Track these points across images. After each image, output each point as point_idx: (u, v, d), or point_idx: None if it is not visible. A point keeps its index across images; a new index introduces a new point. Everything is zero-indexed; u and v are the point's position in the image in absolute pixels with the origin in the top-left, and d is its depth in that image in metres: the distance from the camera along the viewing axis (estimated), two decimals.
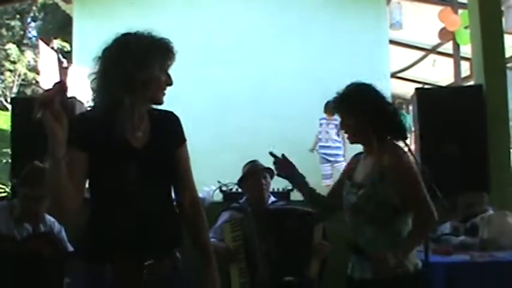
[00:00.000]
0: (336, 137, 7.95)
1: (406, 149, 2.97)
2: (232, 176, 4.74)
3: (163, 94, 2.36)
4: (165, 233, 2.35)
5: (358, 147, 3.11)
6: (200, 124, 7.45)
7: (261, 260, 4.02)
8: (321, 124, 8.06)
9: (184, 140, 2.49)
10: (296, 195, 5.29)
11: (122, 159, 2.28)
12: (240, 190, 4.79)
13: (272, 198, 4.50)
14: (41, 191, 3.52)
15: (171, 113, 2.49)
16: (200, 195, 5.15)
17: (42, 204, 3.69)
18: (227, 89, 8.36)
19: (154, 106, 2.39)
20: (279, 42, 8.74)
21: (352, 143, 3.07)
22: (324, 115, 8.03)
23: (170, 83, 2.35)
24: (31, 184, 3.63)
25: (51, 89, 2.08)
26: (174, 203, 2.50)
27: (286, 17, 8.86)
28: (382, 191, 2.84)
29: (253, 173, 4.41)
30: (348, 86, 3.02)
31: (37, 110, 2.00)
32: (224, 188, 5.36)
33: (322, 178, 7.91)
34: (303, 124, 8.33)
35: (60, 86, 2.08)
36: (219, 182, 5.36)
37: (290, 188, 5.25)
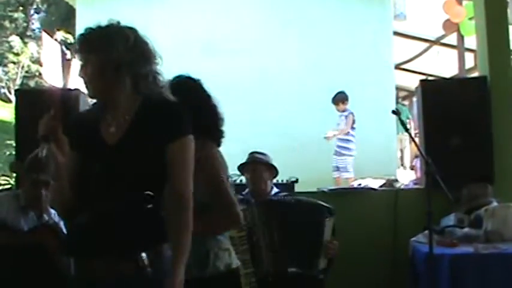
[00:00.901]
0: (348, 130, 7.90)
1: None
2: (234, 167, 4.74)
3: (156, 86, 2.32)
4: (124, 233, 2.19)
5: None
6: None
7: (265, 251, 4.02)
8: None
9: (180, 135, 2.27)
10: (300, 187, 5.31)
11: (90, 155, 2.28)
12: (243, 182, 4.80)
13: (275, 190, 4.50)
14: (47, 176, 3.54)
15: (173, 104, 2.35)
16: None
17: (48, 190, 3.71)
18: (229, 79, 8.30)
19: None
20: (281, 32, 8.70)
21: None
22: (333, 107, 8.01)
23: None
24: (38, 169, 3.64)
25: (48, 118, 2.16)
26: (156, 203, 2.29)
27: (289, 7, 8.82)
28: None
29: (248, 164, 4.44)
30: (174, 78, 2.97)
31: (42, 147, 2.09)
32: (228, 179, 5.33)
33: (332, 170, 7.90)
34: (306, 116, 8.33)
35: (56, 112, 2.16)
36: None
37: (294, 179, 5.26)
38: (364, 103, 8.21)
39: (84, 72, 2.27)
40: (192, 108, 2.69)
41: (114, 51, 2.22)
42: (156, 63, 2.34)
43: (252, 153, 4.51)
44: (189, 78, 3.06)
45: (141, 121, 2.28)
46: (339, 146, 7.89)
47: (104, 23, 2.30)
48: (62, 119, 2.21)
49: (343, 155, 7.84)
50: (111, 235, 2.18)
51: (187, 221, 2.25)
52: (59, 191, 2.32)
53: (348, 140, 7.86)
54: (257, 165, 4.40)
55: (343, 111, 7.90)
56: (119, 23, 2.31)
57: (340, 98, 7.88)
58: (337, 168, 7.87)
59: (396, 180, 6.98)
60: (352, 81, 8.23)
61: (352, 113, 7.82)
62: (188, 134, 2.30)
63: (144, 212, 2.22)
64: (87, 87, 2.30)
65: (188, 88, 2.96)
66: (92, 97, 2.34)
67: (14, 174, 5.44)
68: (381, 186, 5.94)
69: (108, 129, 2.29)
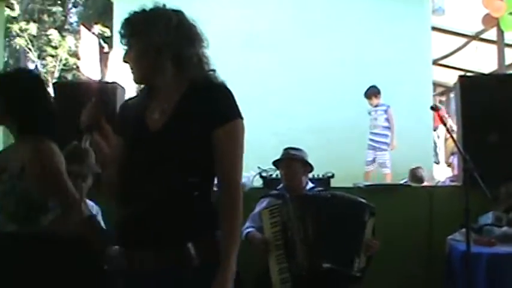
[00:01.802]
0: (385, 123, 7.83)
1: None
2: (269, 161, 4.74)
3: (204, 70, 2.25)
4: (170, 222, 2.14)
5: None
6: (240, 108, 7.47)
7: (299, 247, 4.01)
8: (370, 112, 7.97)
9: (226, 120, 2.17)
10: (336, 182, 5.28)
11: (134, 143, 2.24)
12: (279, 176, 4.79)
13: (310, 185, 4.49)
14: (83, 168, 3.56)
15: (220, 87, 2.25)
16: None
17: (86, 182, 3.74)
18: (267, 74, 8.32)
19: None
20: (319, 27, 8.66)
21: None
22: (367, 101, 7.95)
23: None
24: (76, 161, 3.66)
25: (90, 107, 2.14)
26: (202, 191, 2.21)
27: (328, 2, 8.77)
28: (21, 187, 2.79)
29: (283, 161, 4.44)
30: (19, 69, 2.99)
31: (85, 138, 2.07)
32: (264, 174, 5.33)
33: (366, 164, 7.85)
34: (342, 110, 8.28)
35: (97, 101, 2.13)
36: (259, 167, 5.34)
37: (330, 174, 5.23)
38: (401, 99, 8.15)
39: (128, 57, 2.22)
40: (24, 103, 2.82)
41: (155, 34, 2.15)
42: (202, 46, 2.26)
43: (286, 149, 4.50)
44: (24, 72, 3.04)
45: (185, 106, 2.19)
46: (377, 141, 7.82)
47: (149, 6, 2.25)
48: (103, 110, 2.18)
49: (384, 150, 7.79)
50: (157, 224, 2.13)
51: (236, 209, 2.17)
52: (107, 181, 2.29)
53: (387, 135, 7.79)
54: (292, 162, 4.39)
55: (376, 105, 7.84)
56: (164, 5, 2.25)
57: (372, 92, 7.83)
58: (372, 162, 7.82)
59: (419, 168, 6.93)
60: (390, 77, 8.16)
61: (389, 107, 7.76)
62: (236, 117, 2.21)
63: (190, 199, 2.17)
64: (132, 72, 2.24)
65: (25, 81, 2.95)
66: (136, 82, 2.28)
67: None
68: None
69: (152, 115, 2.23)
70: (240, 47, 8.37)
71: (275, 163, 4.56)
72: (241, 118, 2.22)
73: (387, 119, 7.77)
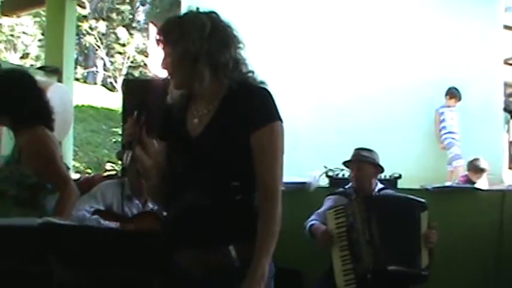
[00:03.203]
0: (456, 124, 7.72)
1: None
2: (337, 159, 4.69)
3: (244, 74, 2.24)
4: (212, 226, 2.15)
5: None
6: (304, 106, 7.42)
7: (365, 248, 3.96)
8: (441, 113, 7.83)
9: (264, 123, 2.15)
10: (403, 183, 5.19)
11: (176, 148, 2.26)
12: (346, 176, 4.74)
13: (379, 186, 4.42)
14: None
15: (257, 90, 2.22)
16: (306, 179, 5.15)
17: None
18: (331, 71, 8.22)
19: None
20: (387, 28, 8.51)
21: None
22: (443, 103, 7.80)
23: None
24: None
25: (130, 123, 2.15)
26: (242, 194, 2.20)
27: (396, 1, 8.62)
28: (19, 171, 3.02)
29: (353, 162, 4.39)
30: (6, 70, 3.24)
31: (126, 154, 2.09)
32: (330, 173, 5.28)
33: (447, 163, 7.72)
34: (410, 111, 8.11)
35: (138, 116, 2.14)
36: (325, 167, 5.29)
37: (397, 175, 5.14)
38: (471, 99, 7.93)
39: (165, 64, 2.22)
40: (13, 102, 3.05)
41: (190, 42, 2.13)
42: (238, 48, 2.23)
43: (358, 149, 4.44)
44: (17, 71, 3.29)
45: (224, 111, 2.20)
46: (454, 138, 7.70)
47: (183, 12, 2.26)
48: (146, 116, 2.17)
49: (455, 144, 7.68)
50: (199, 228, 2.15)
51: (273, 213, 2.15)
52: (152, 192, 2.34)
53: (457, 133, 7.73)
54: (363, 164, 4.33)
55: (449, 106, 7.72)
56: (197, 9, 2.23)
57: (455, 95, 7.72)
58: (455, 159, 7.68)
59: (478, 159, 6.75)
60: (459, 76, 7.96)
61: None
62: (275, 120, 2.17)
63: (232, 203, 2.17)
64: (171, 78, 2.25)
65: (13, 80, 3.14)
66: (176, 89, 2.27)
67: (120, 162, 5.60)
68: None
69: (192, 120, 2.24)
70: (304, 42, 8.27)
71: (345, 163, 4.51)
72: (281, 120, 2.19)
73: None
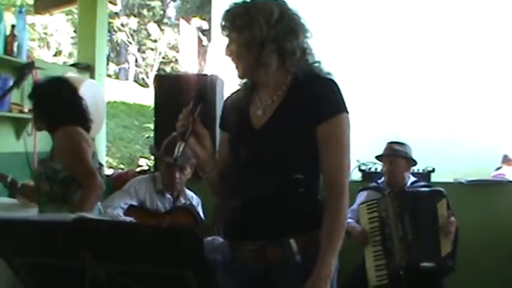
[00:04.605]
0: None
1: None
2: (370, 153, 4.64)
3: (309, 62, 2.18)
4: (273, 219, 2.13)
5: None
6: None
7: (397, 244, 3.93)
8: None
9: (330, 114, 2.10)
10: (438, 176, 5.11)
11: (239, 140, 2.23)
12: (379, 170, 4.70)
13: (412, 179, 4.37)
14: (182, 161, 3.63)
15: (324, 81, 2.16)
16: None
17: (184, 174, 3.81)
18: (388, 69, 7.85)
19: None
20: (458, 31, 7.82)
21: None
22: None
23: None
24: (173, 152, 3.73)
25: (185, 114, 2.09)
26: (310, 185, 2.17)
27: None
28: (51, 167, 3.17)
29: (385, 156, 4.35)
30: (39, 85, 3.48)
31: (179, 145, 2.05)
32: (363, 167, 5.24)
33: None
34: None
35: (193, 107, 2.09)
36: (357, 161, 5.26)
37: (430, 168, 5.07)
38: None
39: (229, 51, 2.17)
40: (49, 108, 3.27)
41: (257, 28, 2.08)
42: (305, 38, 2.18)
43: (390, 143, 4.40)
44: (55, 78, 3.47)
45: (289, 102, 2.16)
46: None
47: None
48: (202, 107, 2.11)
49: None
50: (261, 221, 2.14)
51: (340, 209, 2.10)
52: (211, 182, 2.26)
53: None
54: (395, 158, 4.29)
55: None
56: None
57: None
58: None
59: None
60: None
61: None
62: (342, 111, 2.13)
63: (295, 196, 2.13)
64: (235, 66, 2.19)
65: (53, 89, 3.34)
66: (240, 77, 2.23)
67: (153, 157, 5.63)
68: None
69: (256, 111, 2.21)
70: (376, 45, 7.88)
71: (378, 157, 4.47)
72: (347, 112, 2.14)
73: None
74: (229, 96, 2.41)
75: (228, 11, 2.16)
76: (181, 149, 2.05)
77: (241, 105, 2.26)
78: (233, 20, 2.14)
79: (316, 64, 2.20)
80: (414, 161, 4.33)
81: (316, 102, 2.11)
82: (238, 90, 2.32)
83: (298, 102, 2.13)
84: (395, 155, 4.29)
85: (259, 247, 2.15)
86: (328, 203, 2.12)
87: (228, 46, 2.18)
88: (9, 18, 4.88)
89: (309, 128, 2.11)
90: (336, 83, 2.16)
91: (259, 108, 2.21)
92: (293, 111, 2.13)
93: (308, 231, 2.14)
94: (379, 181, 4.45)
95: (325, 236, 2.08)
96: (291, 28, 2.13)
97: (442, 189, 4.08)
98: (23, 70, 4.48)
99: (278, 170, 2.12)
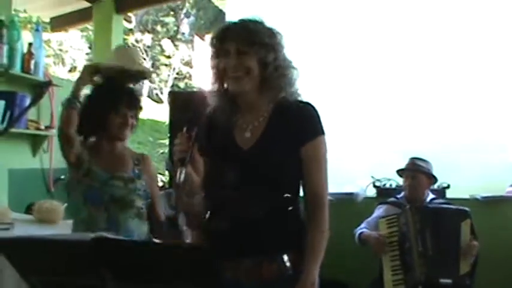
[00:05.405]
0: None
1: None
2: (389, 168, 4.63)
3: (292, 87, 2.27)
4: (266, 238, 2.18)
5: None
6: (348, 115, 7.28)
7: (417, 259, 3.91)
8: None
9: (312, 137, 2.22)
10: (452, 193, 5.08)
11: (224, 161, 2.26)
12: (393, 186, 4.69)
13: (431, 196, 4.36)
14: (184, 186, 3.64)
15: (305, 105, 2.28)
16: (353, 189, 5.12)
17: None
18: (393, 78, 7.78)
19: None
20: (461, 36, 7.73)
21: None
22: None
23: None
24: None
25: (182, 139, 2.13)
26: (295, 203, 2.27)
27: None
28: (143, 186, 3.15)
29: (408, 171, 4.34)
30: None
31: (179, 171, 2.08)
32: (378, 184, 5.23)
33: None
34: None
35: (190, 133, 2.13)
36: (372, 177, 5.25)
37: (445, 185, 5.05)
38: None
39: (239, 63, 2.20)
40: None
41: (263, 51, 2.18)
42: (291, 66, 2.28)
43: (413, 158, 4.39)
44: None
45: (275, 124, 2.24)
46: None
47: (250, 16, 2.28)
48: (197, 131, 2.16)
49: None
50: (253, 240, 2.18)
51: (322, 220, 2.22)
52: (190, 208, 2.32)
53: None
54: (417, 174, 4.29)
55: None
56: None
57: None
58: None
59: None
60: None
61: None
62: (322, 133, 2.26)
63: (285, 214, 2.22)
64: (235, 80, 2.22)
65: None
66: (233, 94, 2.26)
67: (167, 173, 5.65)
68: None
69: (243, 133, 2.26)
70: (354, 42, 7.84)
71: (399, 171, 4.47)
72: (324, 134, 2.27)
73: None
74: (206, 119, 2.39)
75: (242, 26, 2.24)
76: (182, 175, 2.08)
77: (224, 126, 2.29)
78: (250, 36, 2.19)
79: (298, 89, 2.29)
80: (435, 178, 4.32)
81: (300, 125, 2.23)
82: (216, 111, 2.34)
83: (283, 125, 2.24)
84: (418, 170, 4.29)
85: (255, 264, 2.18)
86: (312, 212, 2.23)
87: (239, 58, 2.20)
88: (26, 36, 4.93)
89: (294, 148, 2.22)
90: (315, 108, 2.27)
91: (246, 130, 2.26)
92: (279, 133, 2.23)
93: (297, 246, 2.21)
94: (398, 196, 4.43)
95: (309, 247, 2.19)
96: (285, 55, 2.28)
97: (467, 209, 4.06)
98: (41, 88, 4.51)
99: (270, 189, 2.19)
